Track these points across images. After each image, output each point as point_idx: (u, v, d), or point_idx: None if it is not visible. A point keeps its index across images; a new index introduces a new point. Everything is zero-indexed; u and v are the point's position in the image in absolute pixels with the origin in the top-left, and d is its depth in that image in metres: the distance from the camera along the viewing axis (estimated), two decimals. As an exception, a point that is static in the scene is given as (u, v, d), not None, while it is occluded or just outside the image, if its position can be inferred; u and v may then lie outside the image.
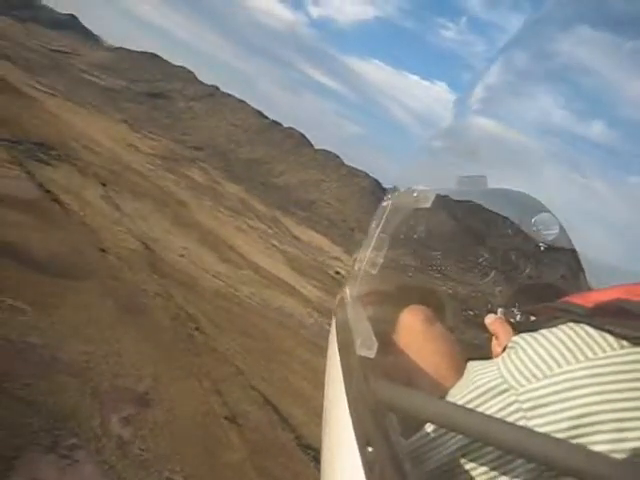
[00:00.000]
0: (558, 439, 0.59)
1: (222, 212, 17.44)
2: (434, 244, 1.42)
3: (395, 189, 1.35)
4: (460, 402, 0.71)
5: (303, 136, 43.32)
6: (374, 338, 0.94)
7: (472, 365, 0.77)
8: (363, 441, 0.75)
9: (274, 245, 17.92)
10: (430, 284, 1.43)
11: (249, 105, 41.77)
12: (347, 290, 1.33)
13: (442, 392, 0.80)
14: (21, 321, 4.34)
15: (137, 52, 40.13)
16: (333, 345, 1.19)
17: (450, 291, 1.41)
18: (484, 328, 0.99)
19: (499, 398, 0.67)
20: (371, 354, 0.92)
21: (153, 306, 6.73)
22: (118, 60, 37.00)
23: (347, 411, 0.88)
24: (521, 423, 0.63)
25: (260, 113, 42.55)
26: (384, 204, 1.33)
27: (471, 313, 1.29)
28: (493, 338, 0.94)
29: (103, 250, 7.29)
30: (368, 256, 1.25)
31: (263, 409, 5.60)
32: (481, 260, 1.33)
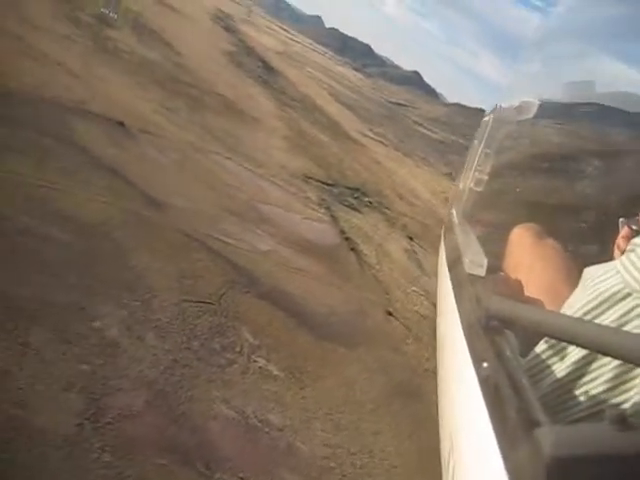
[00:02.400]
0: None
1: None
2: (541, 156, 1.34)
3: (496, 105, 1.31)
4: (581, 311, 0.71)
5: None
6: (484, 256, 1.02)
7: (589, 272, 0.77)
8: (478, 357, 0.79)
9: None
10: (539, 198, 1.36)
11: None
12: (454, 210, 1.39)
13: (557, 306, 0.82)
14: (266, 391, 3.80)
15: (471, 108, 40.83)
16: (443, 266, 1.29)
17: (559, 204, 1.34)
18: (599, 240, 1.02)
19: (622, 304, 0.66)
20: (481, 272, 1.00)
21: (432, 391, 5.73)
22: (452, 115, 38.07)
23: (461, 329, 0.91)
24: None
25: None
26: (485, 119, 1.35)
27: (584, 225, 1.24)
28: (615, 248, 0.91)
29: (390, 313, 6.62)
30: (473, 174, 1.28)
31: None
32: (591, 169, 1.26)
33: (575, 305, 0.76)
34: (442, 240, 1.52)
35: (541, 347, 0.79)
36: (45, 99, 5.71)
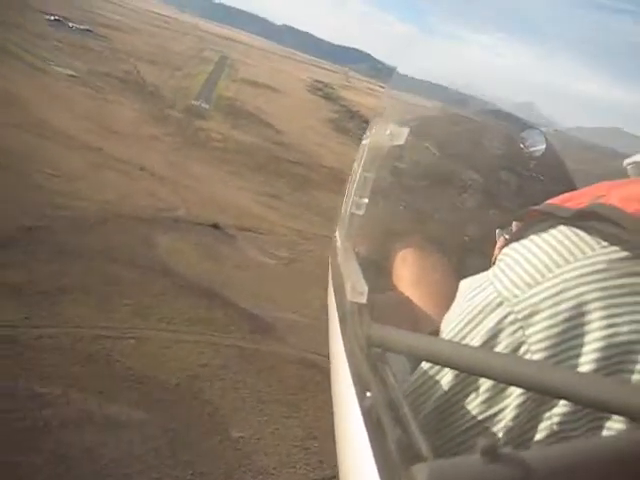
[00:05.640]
0: (544, 364, 0.64)
1: None
2: (421, 175, 1.41)
3: (371, 127, 1.43)
4: (460, 324, 0.74)
5: None
6: (364, 283, 1.01)
7: (464, 284, 0.82)
8: (361, 387, 0.81)
9: None
10: (420, 217, 1.42)
11: None
12: (337, 234, 1.43)
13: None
14: None
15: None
16: (331, 294, 1.29)
17: (442, 220, 1.40)
18: (482, 253, 1.04)
19: (495, 312, 0.70)
20: (362, 299, 0.99)
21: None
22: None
23: (345, 359, 0.95)
24: (518, 334, 0.67)
25: None
26: (363, 142, 1.44)
27: (467, 239, 1.33)
28: (494, 258, 0.89)
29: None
30: (353, 198, 1.33)
31: None
32: (471, 183, 1.35)
33: (454, 319, 0.75)
34: (329, 267, 1.35)
35: (421, 370, 0.77)
36: (122, 214, 4.98)
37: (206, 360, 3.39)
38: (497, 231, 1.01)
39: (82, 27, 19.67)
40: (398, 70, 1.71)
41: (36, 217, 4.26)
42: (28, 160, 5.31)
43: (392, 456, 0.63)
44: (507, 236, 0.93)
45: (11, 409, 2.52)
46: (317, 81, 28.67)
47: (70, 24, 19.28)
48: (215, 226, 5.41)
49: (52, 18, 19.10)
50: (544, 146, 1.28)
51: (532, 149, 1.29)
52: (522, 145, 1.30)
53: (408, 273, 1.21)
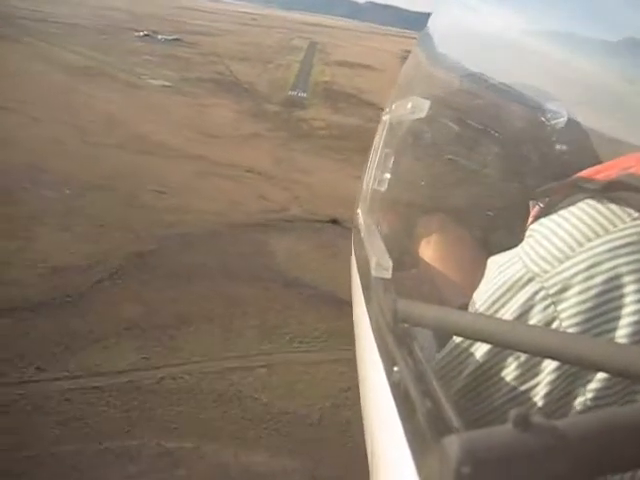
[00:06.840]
0: (577, 335, 0.64)
1: None
2: (442, 149, 1.42)
3: (391, 102, 1.45)
4: (489, 300, 0.75)
5: None
6: (389, 258, 1.03)
7: (493, 261, 0.82)
8: (389, 362, 0.81)
9: None
10: (442, 191, 1.43)
11: None
12: (359, 211, 1.46)
13: (470, 297, 0.85)
14: None
15: None
16: (354, 270, 1.34)
17: (465, 195, 1.40)
18: (505, 227, 1.09)
19: (525, 289, 0.70)
20: (387, 274, 1.01)
21: None
22: None
23: (372, 334, 0.97)
24: (550, 310, 0.67)
25: None
26: (383, 118, 1.48)
27: (490, 214, 1.32)
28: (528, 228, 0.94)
29: None
30: (374, 173, 1.35)
31: None
32: (492, 158, 1.35)
33: (483, 295, 0.77)
34: (352, 244, 1.42)
35: (455, 340, 0.80)
36: (234, 223, 4.67)
37: (348, 382, 2.94)
38: (530, 202, 0.98)
39: (171, 37, 20.06)
40: (426, 30, 1.63)
41: (146, 240, 4.03)
42: (132, 179, 5.15)
43: (423, 430, 0.62)
44: (542, 205, 0.90)
45: (139, 472, 2.20)
46: (407, 52, 27.90)
47: (159, 36, 19.72)
48: (334, 221, 5.00)
49: (141, 34, 19.63)
50: (566, 118, 1.25)
51: (554, 122, 1.27)
52: (544, 118, 1.28)
53: (432, 252, 1.21)
